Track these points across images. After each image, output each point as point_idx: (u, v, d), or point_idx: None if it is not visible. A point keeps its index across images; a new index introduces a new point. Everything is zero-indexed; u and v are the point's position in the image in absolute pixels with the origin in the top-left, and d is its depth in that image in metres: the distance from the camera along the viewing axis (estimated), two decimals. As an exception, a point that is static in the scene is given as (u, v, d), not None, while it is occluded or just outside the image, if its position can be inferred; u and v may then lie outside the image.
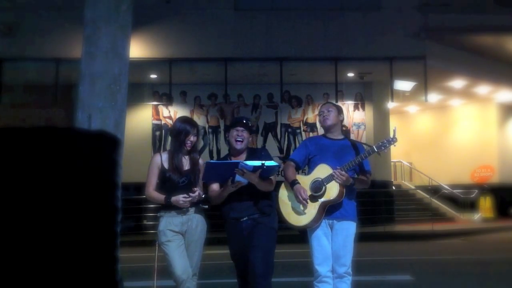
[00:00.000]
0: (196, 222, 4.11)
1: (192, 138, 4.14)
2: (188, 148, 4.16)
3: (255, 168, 3.84)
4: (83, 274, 1.19)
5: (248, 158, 4.09)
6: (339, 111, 4.25)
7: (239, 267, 4.16)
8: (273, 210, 4.14)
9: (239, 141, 4.13)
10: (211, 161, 4.12)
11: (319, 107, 14.83)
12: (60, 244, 1.17)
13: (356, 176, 4.13)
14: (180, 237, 4.07)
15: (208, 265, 7.54)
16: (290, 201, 4.11)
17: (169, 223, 4.06)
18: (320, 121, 4.28)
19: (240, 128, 4.14)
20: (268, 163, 3.87)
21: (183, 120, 4.35)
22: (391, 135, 3.99)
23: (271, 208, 4.12)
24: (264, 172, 3.90)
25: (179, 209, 4.04)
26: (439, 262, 8.98)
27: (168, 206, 4.06)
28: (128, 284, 4.77)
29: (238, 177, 3.89)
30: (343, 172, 3.87)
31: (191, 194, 3.98)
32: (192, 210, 4.09)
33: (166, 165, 4.12)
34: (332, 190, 3.93)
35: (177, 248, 4.03)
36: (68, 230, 1.18)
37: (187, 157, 4.18)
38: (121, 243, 1.58)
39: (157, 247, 4.20)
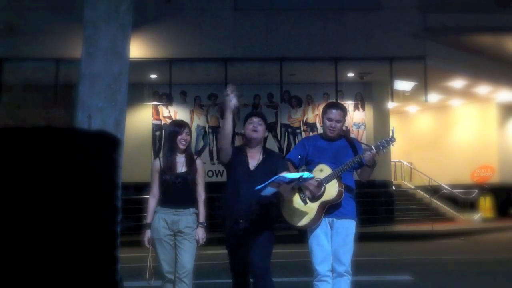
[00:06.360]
0: (186, 223, 4.18)
1: (185, 136, 4.23)
2: (183, 147, 4.24)
3: (291, 181, 3.77)
4: (83, 274, 1.19)
5: (263, 160, 4.07)
6: (345, 114, 4.20)
7: (234, 264, 4.13)
8: (272, 213, 4.15)
9: (255, 131, 4.06)
10: (258, 187, 3.75)
11: (319, 107, 14.93)
12: (60, 244, 1.17)
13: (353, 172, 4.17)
14: (171, 236, 4.17)
15: (207, 265, 7.55)
16: (290, 201, 4.09)
17: (162, 220, 4.17)
18: (326, 127, 4.14)
19: (256, 119, 4.06)
20: (305, 174, 3.77)
21: (172, 123, 4.60)
22: (390, 135, 4.00)
23: (270, 211, 4.12)
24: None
25: (172, 208, 4.15)
26: (439, 262, 8.97)
27: (163, 202, 4.20)
28: (128, 284, 4.77)
29: (269, 189, 3.76)
30: (370, 154, 3.87)
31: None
32: (183, 211, 4.17)
33: (163, 167, 4.24)
34: (331, 190, 3.93)
35: (164, 246, 4.17)
36: (68, 230, 1.18)
37: (183, 158, 4.25)
38: (121, 243, 1.58)
39: (150, 248, 4.29)
